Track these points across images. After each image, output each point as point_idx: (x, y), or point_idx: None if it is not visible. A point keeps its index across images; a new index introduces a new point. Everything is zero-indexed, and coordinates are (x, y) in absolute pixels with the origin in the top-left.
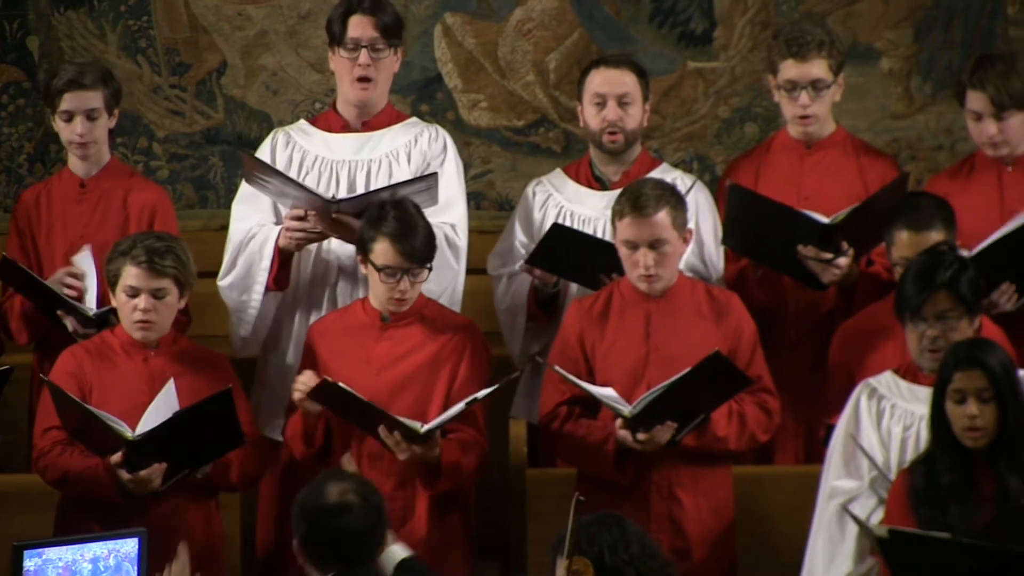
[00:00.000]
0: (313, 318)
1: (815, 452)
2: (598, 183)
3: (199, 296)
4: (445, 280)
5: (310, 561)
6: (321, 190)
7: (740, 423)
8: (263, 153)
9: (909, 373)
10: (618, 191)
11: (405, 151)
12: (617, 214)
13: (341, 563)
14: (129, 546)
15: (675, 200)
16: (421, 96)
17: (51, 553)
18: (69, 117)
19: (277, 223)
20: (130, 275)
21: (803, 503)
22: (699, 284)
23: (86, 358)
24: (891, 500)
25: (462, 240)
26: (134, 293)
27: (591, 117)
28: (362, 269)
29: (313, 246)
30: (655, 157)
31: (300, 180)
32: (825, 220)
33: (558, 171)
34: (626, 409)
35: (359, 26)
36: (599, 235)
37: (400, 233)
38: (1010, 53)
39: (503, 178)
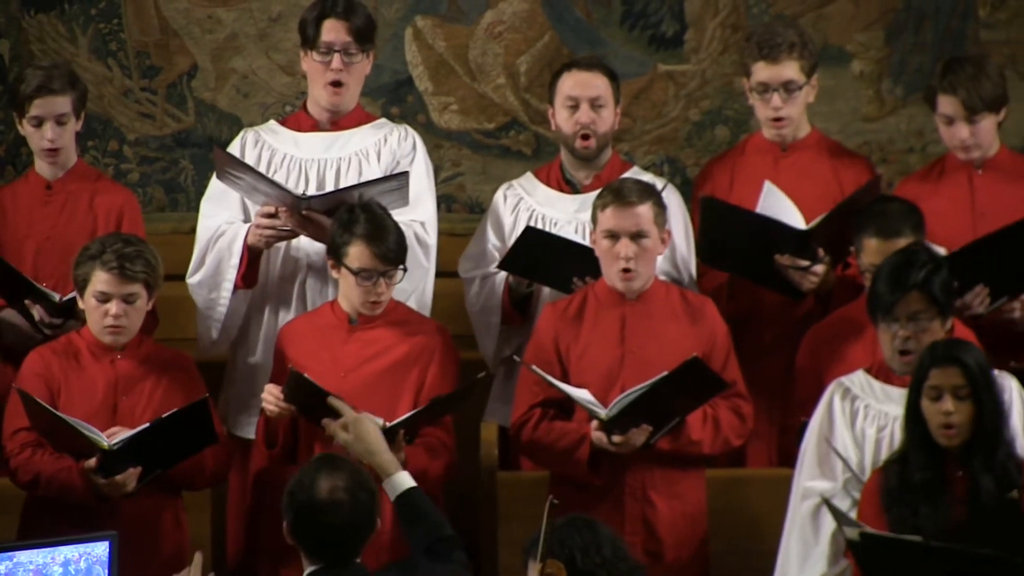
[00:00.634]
0: (282, 316)
1: (788, 455)
2: (569, 186)
3: (168, 299)
4: (416, 278)
5: (298, 547)
6: (291, 188)
7: (715, 427)
8: (233, 152)
9: (881, 373)
10: (588, 194)
11: (375, 150)
12: (599, 207)
13: (325, 557)
14: (100, 549)
15: (657, 198)
16: (392, 99)
17: (21, 556)
18: (39, 123)
19: (246, 221)
20: (100, 280)
21: (777, 506)
22: (673, 288)
23: (53, 359)
24: (864, 500)
25: (432, 238)
26: (105, 298)
27: (563, 120)
28: (334, 274)
29: (282, 244)
30: (626, 160)
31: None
32: (801, 227)
33: (529, 175)
34: (602, 412)
35: (332, 30)
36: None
37: (373, 235)
38: (980, 56)
39: (473, 181)
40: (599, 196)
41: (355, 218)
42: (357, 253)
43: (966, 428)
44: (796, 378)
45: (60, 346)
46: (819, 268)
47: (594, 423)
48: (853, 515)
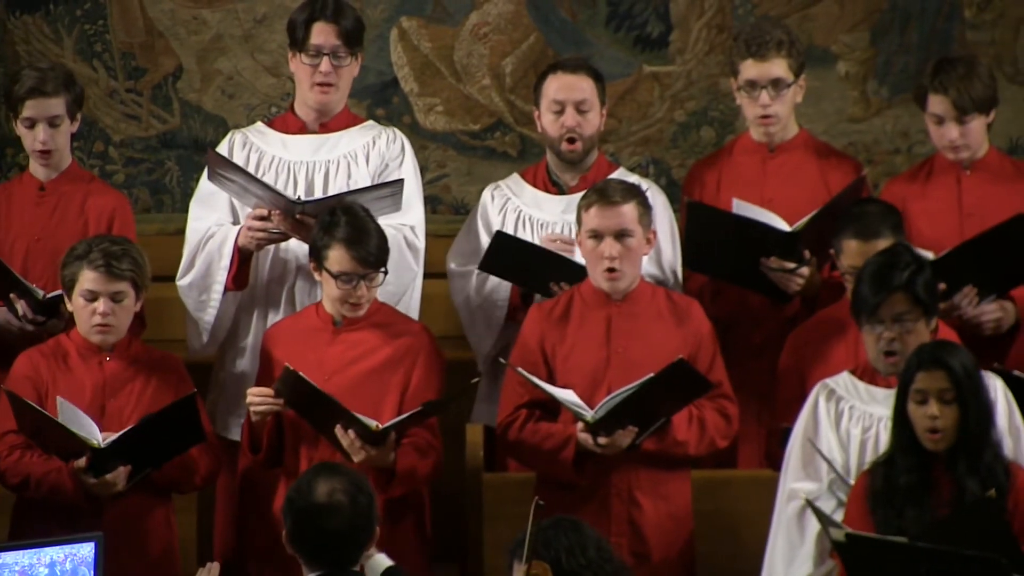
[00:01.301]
0: (271, 318)
1: (773, 458)
2: (555, 188)
3: (155, 300)
4: (405, 281)
5: (298, 555)
6: (282, 191)
7: (700, 428)
8: (221, 154)
9: (866, 374)
10: (575, 196)
11: (363, 152)
12: (584, 207)
13: (325, 564)
14: (85, 550)
15: (643, 199)
16: (377, 100)
17: (8, 557)
18: (31, 124)
19: (235, 223)
20: (87, 279)
21: (762, 507)
22: (659, 289)
23: (42, 361)
24: (851, 502)
25: (421, 242)
26: (92, 297)
27: (549, 124)
28: (316, 276)
29: (271, 246)
30: (612, 161)
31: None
32: (787, 228)
33: (515, 176)
34: (588, 413)
35: (322, 34)
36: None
37: (353, 238)
38: (971, 56)
39: (459, 182)
40: (584, 197)
41: (336, 221)
42: (337, 257)
43: (951, 432)
44: (779, 379)
45: (49, 348)
46: (805, 270)
47: (580, 424)
48: (838, 516)
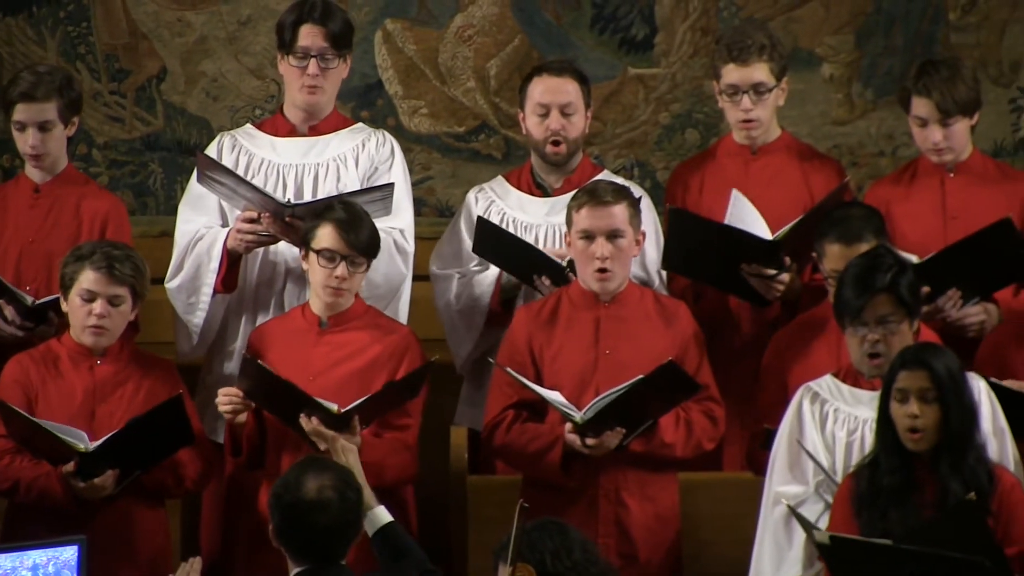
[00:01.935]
0: (260, 321)
1: (754, 461)
2: (540, 190)
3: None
4: (394, 284)
5: (284, 550)
6: (272, 194)
7: (687, 430)
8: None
9: (849, 376)
10: (559, 198)
11: (353, 155)
12: (574, 208)
13: (313, 558)
14: (68, 554)
15: (632, 200)
16: (361, 102)
17: None
18: (22, 127)
19: (224, 226)
20: (88, 279)
21: (748, 510)
22: (647, 291)
23: (32, 366)
24: (836, 505)
25: (410, 245)
26: (91, 297)
27: (534, 126)
28: (304, 265)
29: (260, 249)
30: (596, 164)
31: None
32: (768, 237)
33: (499, 178)
34: (576, 414)
35: (309, 36)
36: (542, 243)
37: (344, 220)
38: (955, 59)
39: (443, 184)
40: (574, 197)
41: (331, 206)
42: (324, 234)
43: (933, 432)
44: (760, 382)
45: (39, 353)
46: (785, 276)
47: (568, 425)
48: (826, 518)
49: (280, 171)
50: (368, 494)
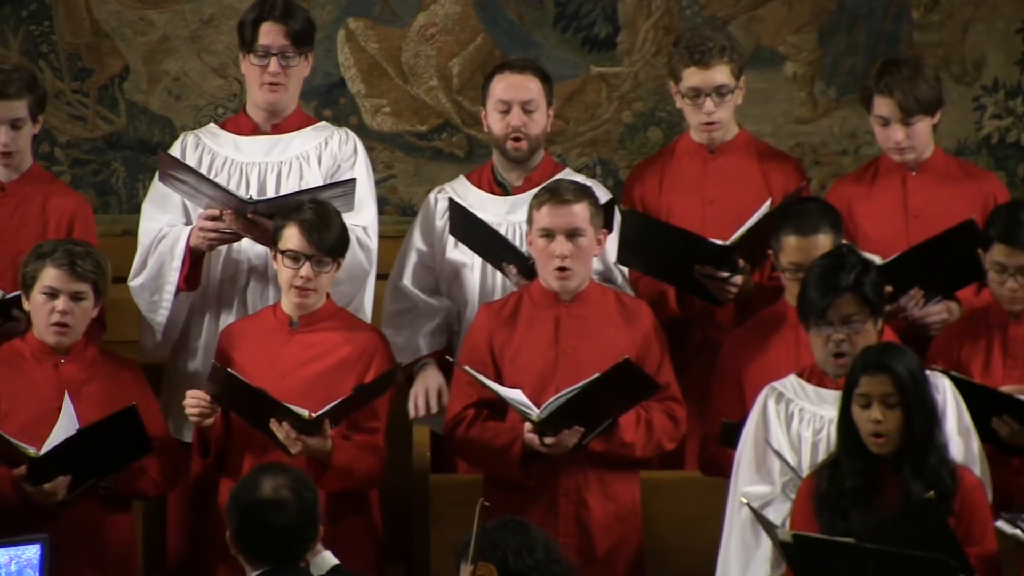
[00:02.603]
0: (223, 319)
1: (711, 463)
2: (500, 188)
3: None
4: (358, 281)
5: (241, 555)
6: (234, 191)
7: (647, 430)
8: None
9: (814, 376)
10: (520, 196)
11: (316, 153)
12: (535, 206)
13: (271, 560)
14: (31, 552)
15: (594, 199)
16: (324, 101)
17: None
18: None
19: (188, 224)
20: (49, 276)
21: (710, 509)
22: (608, 290)
23: None
24: (796, 504)
25: (374, 242)
26: (53, 294)
27: (495, 123)
28: (273, 265)
29: (223, 247)
30: (558, 162)
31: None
32: (721, 242)
33: (461, 178)
34: (534, 413)
35: (270, 34)
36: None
37: (310, 221)
38: (916, 58)
39: (406, 183)
40: (535, 196)
41: (301, 207)
42: (289, 235)
43: (896, 436)
44: (716, 380)
45: (2, 353)
46: (738, 279)
47: (526, 424)
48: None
49: (243, 169)
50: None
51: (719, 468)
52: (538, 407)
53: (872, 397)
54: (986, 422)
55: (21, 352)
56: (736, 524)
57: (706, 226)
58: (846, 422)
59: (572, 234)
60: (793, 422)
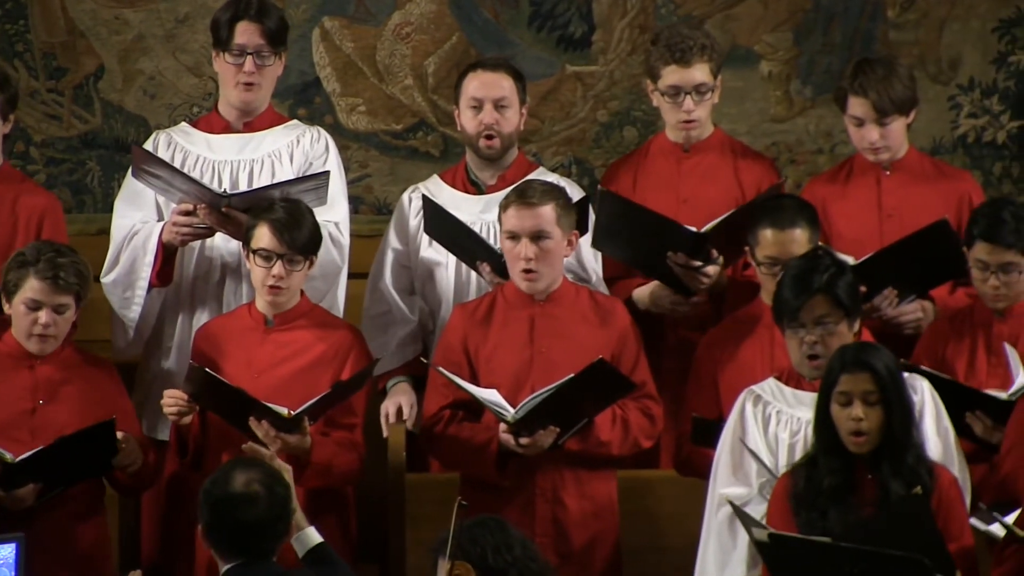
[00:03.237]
0: (197, 317)
1: (684, 457)
2: (474, 187)
3: None
4: (330, 277)
5: (213, 549)
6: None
7: (624, 428)
8: None
9: (791, 379)
10: (493, 195)
11: (288, 151)
12: (503, 208)
13: (243, 554)
14: (6, 551)
15: (563, 200)
16: (299, 100)
17: None
18: None
19: (160, 221)
20: (32, 288)
21: (687, 507)
22: (583, 289)
23: None
24: (772, 503)
25: (345, 238)
26: (36, 307)
27: (467, 121)
28: (247, 264)
29: (196, 244)
30: (532, 161)
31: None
32: (694, 229)
33: (435, 177)
34: (509, 414)
35: (246, 33)
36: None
37: (281, 220)
38: (891, 57)
39: (381, 182)
40: (504, 197)
41: (272, 204)
42: (260, 234)
43: (876, 434)
44: (690, 379)
45: None
46: (711, 269)
47: (502, 425)
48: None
49: (215, 167)
50: (299, 515)
51: (694, 468)
52: (513, 407)
53: (853, 395)
54: (962, 418)
55: None
56: (714, 525)
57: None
58: (824, 421)
59: (537, 236)
60: (771, 424)
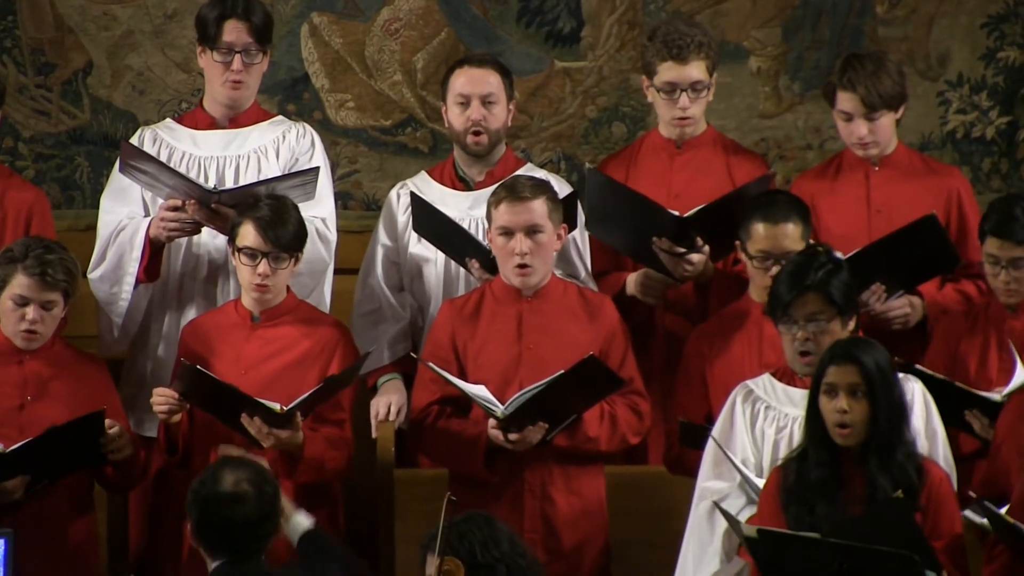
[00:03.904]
0: (184, 313)
1: (675, 456)
2: (462, 183)
3: None
4: (317, 272)
5: (202, 547)
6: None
7: (611, 424)
8: None
9: (785, 375)
10: (482, 191)
11: (273, 147)
12: (493, 204)
13: (232, 552)
14: None
15: (552, 194)
16: (288, 96)
17: None
18: None
19: (147, 216)
20: (21, 284)
21: (675, 503)
22: (571, 285)
23: None
24: (763, 498)
25: (332, 234)
26: (23, 303)
27: (455, 117)
28: (232, 261)
29: (183, 240)
30: (520, 157)
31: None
32: (678, 214)
33: (423, 173)
34: (498, 409)
35: (233, 31)
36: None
37: (266, 218)
38: (880, 53)
39: (370, 178)
40: (493, 193)
41: (258, 203)
42: (245, 232)
43: (861, 427)
44: (680, 375)
45: None
46: (695, 257)
47: (491, 420)
48: (747, 512)
49: (201, 164)
50: (286, 502)
51: (685, 467)
52: (502, 403)
53: (839, 387)
54: (960, 415)
55: None
56: (694, 520)
57: None
58: (813, 413)
59: (531, 231)
60: (759, 420)
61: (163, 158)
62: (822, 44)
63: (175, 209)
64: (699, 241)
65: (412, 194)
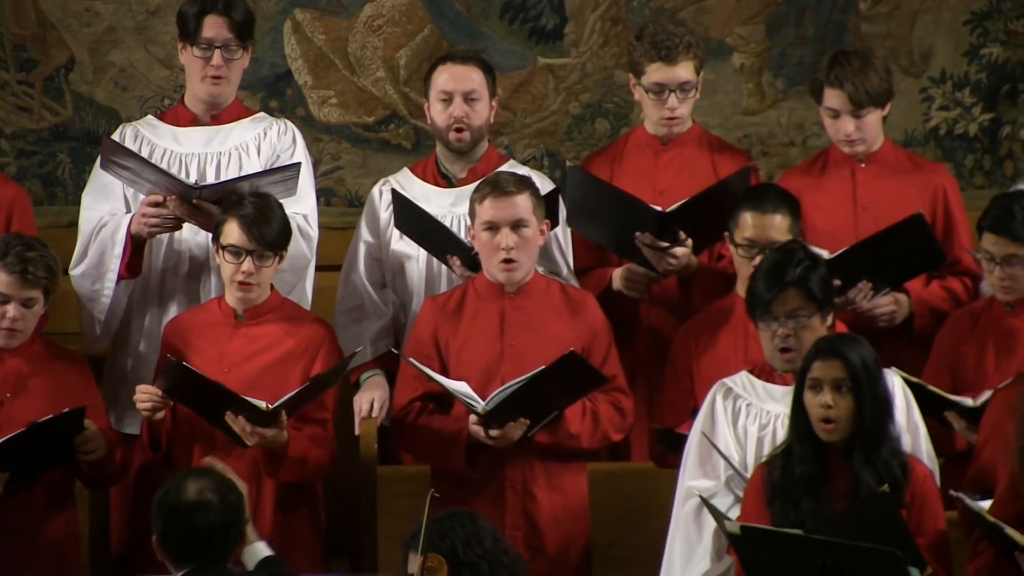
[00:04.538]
0: (166, 310)
1: (658, 454)
2: (445, 180)
3: None
4: (298, 269)
5: (167, 558)
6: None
7: (593, 421)
8: None
9: (764, 372)
10: (464, 188)
11: (255, 144)
12: (477, 200)
13: (196, 561)
14: None
15: (535, 190)
16: (270, 92)
17: None
18: None
19: (128, 213)
20: (1, 281)
21: (658, 500)
22: (553, 282)
23: None
24: (748, 494)
25: (314, 230)
26: (3, 300)
27: (437, 114)
28: (216, 259)
29: (164, 237)
30: (503, 154)
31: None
32: (660, 209)
33: (405, 170)
34: (480, 405)
35: (214, 27)
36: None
37: (250, 215)
38: (867, 49)
39: (353, 175)
40: (476, 189)
41: (242, 200)
42: (229, 229)
43: (846, 423)
44: (666, 372)
45: None
46: (679, 251)
47: (472, 417)
48: (735, 512)
49: (183, 160)
50: (249, 529)
51: (670, 461)
52: (484, 400)
53: (823, 382)
54: (941, 415)
55: None
56: (680, 519)
57: None
58: (798, 409)
59: (516, 225)
60: (740, 417)
61: (144, 155)
62: (805, 40)
63: (156, 205)
64: (682, 235)
65: (393, 191)
